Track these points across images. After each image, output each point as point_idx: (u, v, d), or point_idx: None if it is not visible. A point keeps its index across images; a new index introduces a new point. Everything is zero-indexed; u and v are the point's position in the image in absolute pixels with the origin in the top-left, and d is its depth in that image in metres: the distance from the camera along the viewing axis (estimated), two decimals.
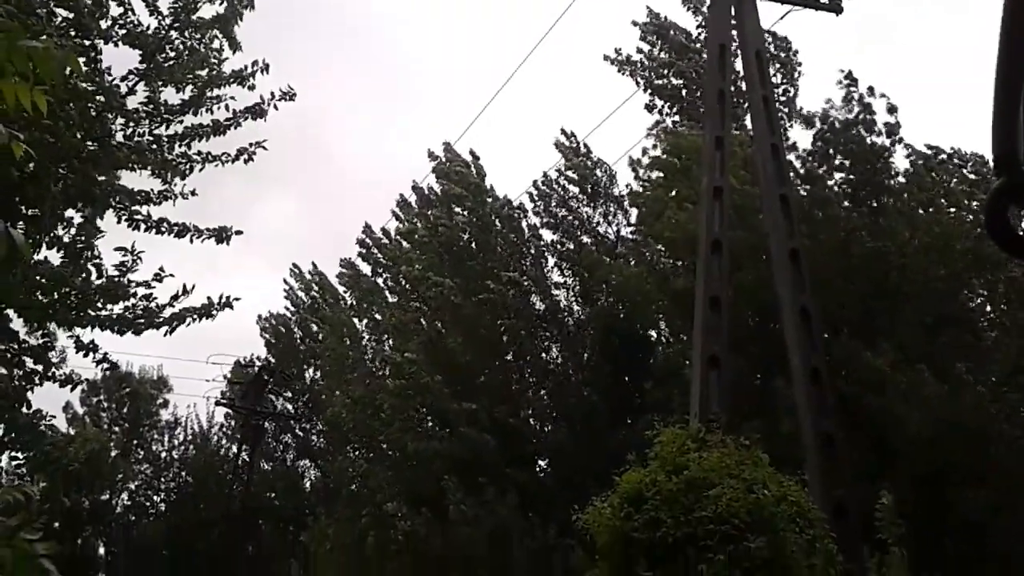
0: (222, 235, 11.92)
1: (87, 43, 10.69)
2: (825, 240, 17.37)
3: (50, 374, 11.28)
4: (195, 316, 11.46)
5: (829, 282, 16.56)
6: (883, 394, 16.00)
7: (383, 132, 79.24)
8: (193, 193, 11.59)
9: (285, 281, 34.66)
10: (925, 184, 18.41)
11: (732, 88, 15.41)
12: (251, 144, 12.15)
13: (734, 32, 14.18)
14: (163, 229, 11.42)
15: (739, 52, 14.24)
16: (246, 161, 12.19)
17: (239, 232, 11.91)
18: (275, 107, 12.20)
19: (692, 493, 8.46)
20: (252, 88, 11.95)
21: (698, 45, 22.69)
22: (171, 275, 11.52)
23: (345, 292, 30.36)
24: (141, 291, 11.30)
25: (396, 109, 76.90)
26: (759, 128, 13.85)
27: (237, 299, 11.64)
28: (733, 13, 14.07)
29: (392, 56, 79.20)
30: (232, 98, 11.95)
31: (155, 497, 38.90)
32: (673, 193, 19.92)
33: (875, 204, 18.63)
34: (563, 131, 23.85)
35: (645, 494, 8.65)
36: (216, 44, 11.62)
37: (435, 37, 78.75)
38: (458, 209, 22.96)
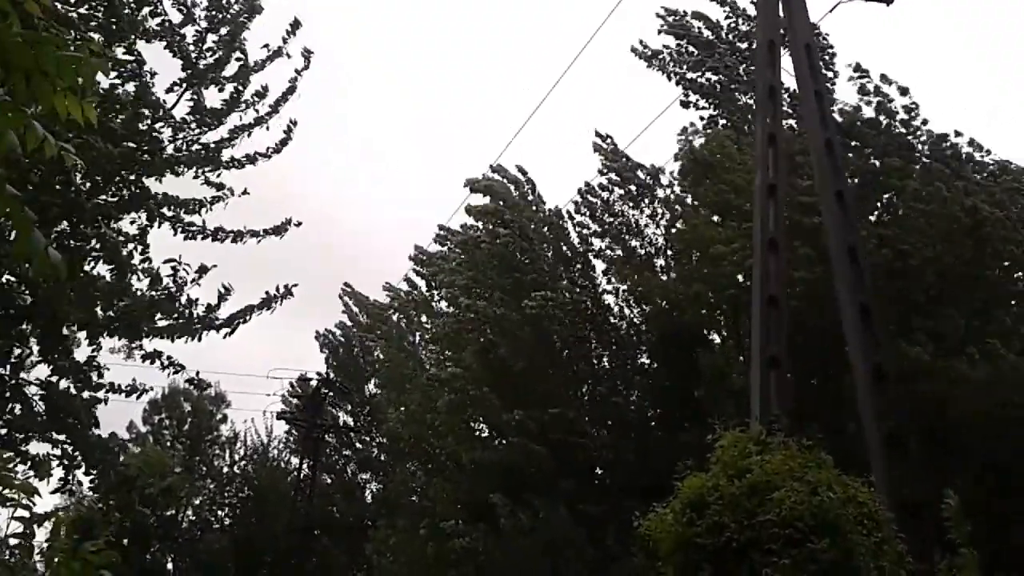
0: (280, 230, 12.15)
1: (131, 56, 10.92)
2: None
3: (115, 385, 11.50)
4: (258, 310, 11.66)
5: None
6: (931, 382, 15.81)
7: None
8: (245, 192, 11.81)
9: (341, 299, 35.76)
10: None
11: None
12: (289, 122, 12.46)
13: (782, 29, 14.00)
14: (220, 237, 11.62)
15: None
16: (280, 148, 12.48)
17: (299, 223, 12.19)
18: (299, 75, 12.59)
19: (755, 497, 8.29)
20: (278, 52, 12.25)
21: (730, 36, 22.39)
22: (227, 295, 11.68)
23: (393, 313, 30.72)
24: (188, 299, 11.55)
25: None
26: (811, 123, 13.61)
27: (295, 284, 11.84)
28: (781, 8, 13.90)
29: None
30: (265, 89, 12.27)
31: (219, 512, 39.53)
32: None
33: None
34: (597, 133, 22.96)
35: (707, 499, 8.51)
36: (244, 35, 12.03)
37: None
38: (502, 229, 22.67)
